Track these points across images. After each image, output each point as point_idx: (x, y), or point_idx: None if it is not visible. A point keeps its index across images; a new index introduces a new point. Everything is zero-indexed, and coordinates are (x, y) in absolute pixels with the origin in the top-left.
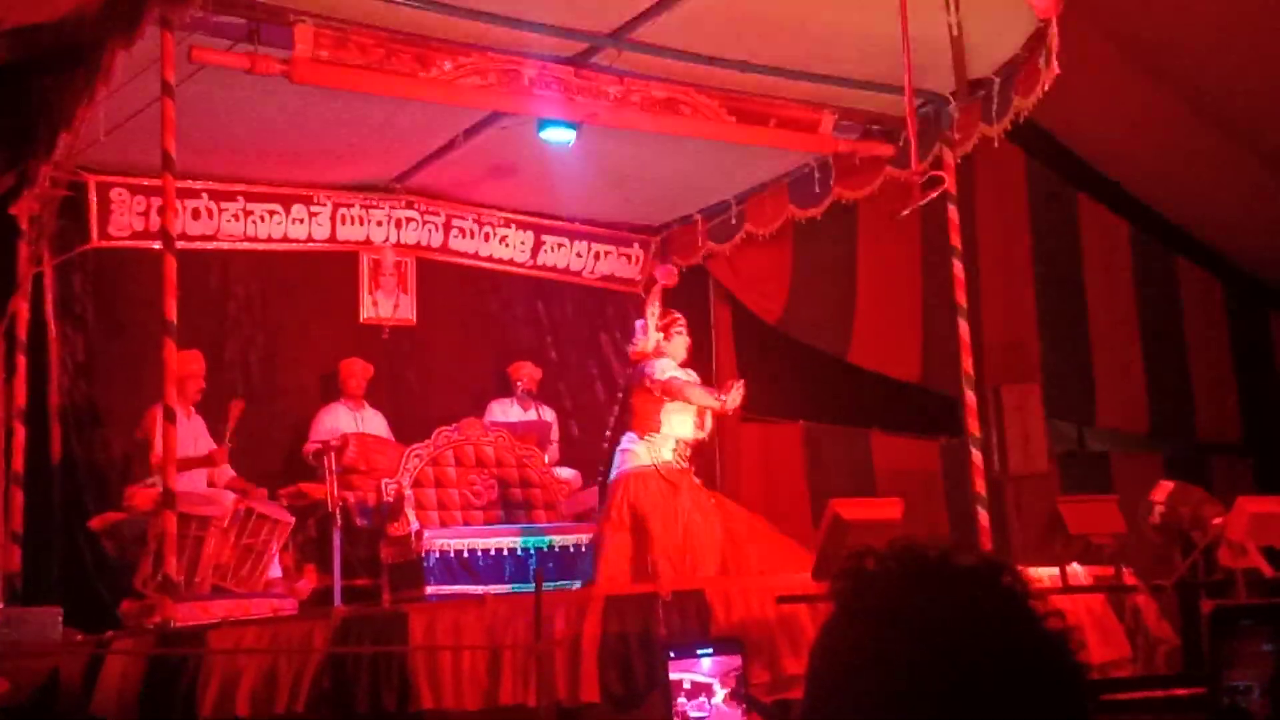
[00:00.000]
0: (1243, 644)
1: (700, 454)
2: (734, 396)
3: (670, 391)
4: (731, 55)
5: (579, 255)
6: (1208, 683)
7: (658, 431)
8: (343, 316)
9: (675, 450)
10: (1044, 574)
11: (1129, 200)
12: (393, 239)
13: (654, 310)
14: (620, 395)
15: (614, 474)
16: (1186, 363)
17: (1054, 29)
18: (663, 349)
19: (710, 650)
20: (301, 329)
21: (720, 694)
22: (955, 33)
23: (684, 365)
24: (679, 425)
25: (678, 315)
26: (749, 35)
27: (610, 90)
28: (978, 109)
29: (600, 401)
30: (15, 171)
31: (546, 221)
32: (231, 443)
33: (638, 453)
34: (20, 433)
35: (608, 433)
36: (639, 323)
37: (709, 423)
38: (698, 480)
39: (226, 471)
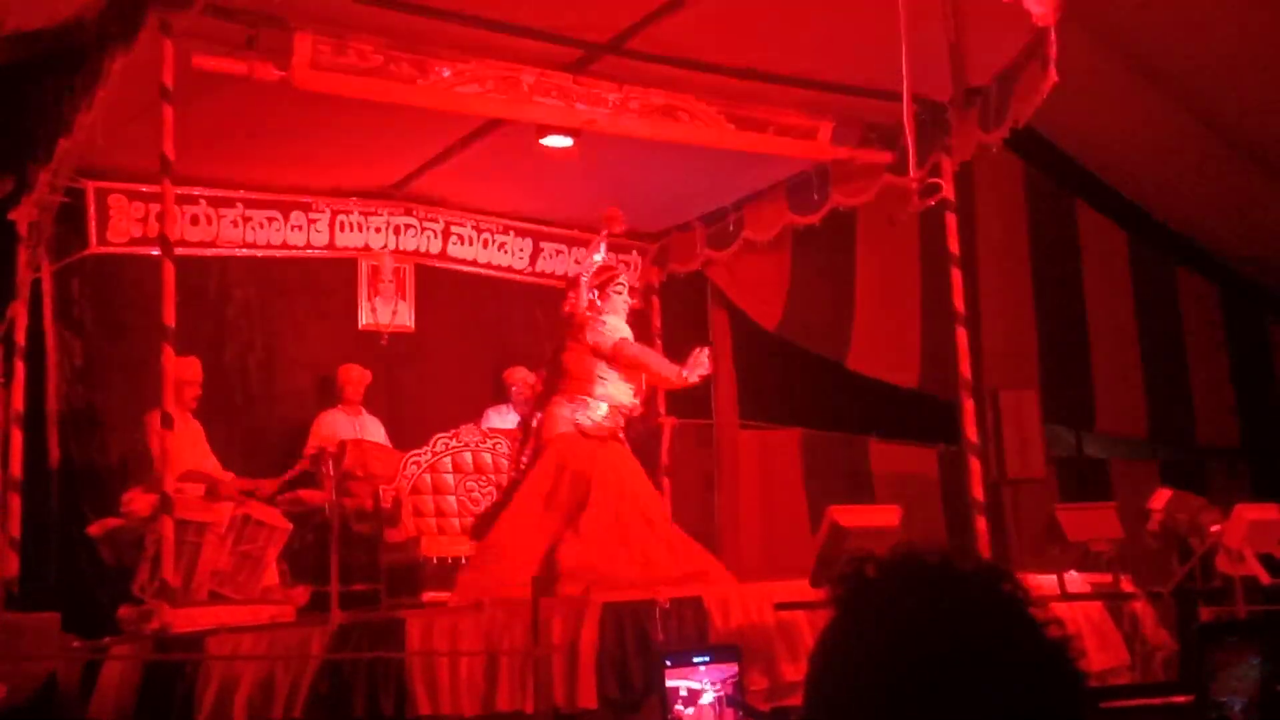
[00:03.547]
0: (1230, 658)
1: (701, 460)
2: (699, 363)
3: (622, 357)
4: (730, 62)
5: (577, 262)
6: (1195, 696)
7: (591, 395)
8: (341, 323)
9: (608, 416)
10: (1042, 581)
11: (1127, 207)
12: (391, 245)
13: (590, 264)
14: (550, 353)
15: (539, 439)
16: (1185, 369)
17: (1052, 36)
18: (598, 307)
19: (707, 657)
20: (300, 335)
21: (709, 697)
22: (953, 40)
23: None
24: (616, 390)
25: (618, 270)
26: (747, 42)
27: (609, 97)
28: (976, 116)
29: None
30: (14, 177)
31: (545, 228)
32: (239, 491)
33: (563, 416)
34: (18, 438)
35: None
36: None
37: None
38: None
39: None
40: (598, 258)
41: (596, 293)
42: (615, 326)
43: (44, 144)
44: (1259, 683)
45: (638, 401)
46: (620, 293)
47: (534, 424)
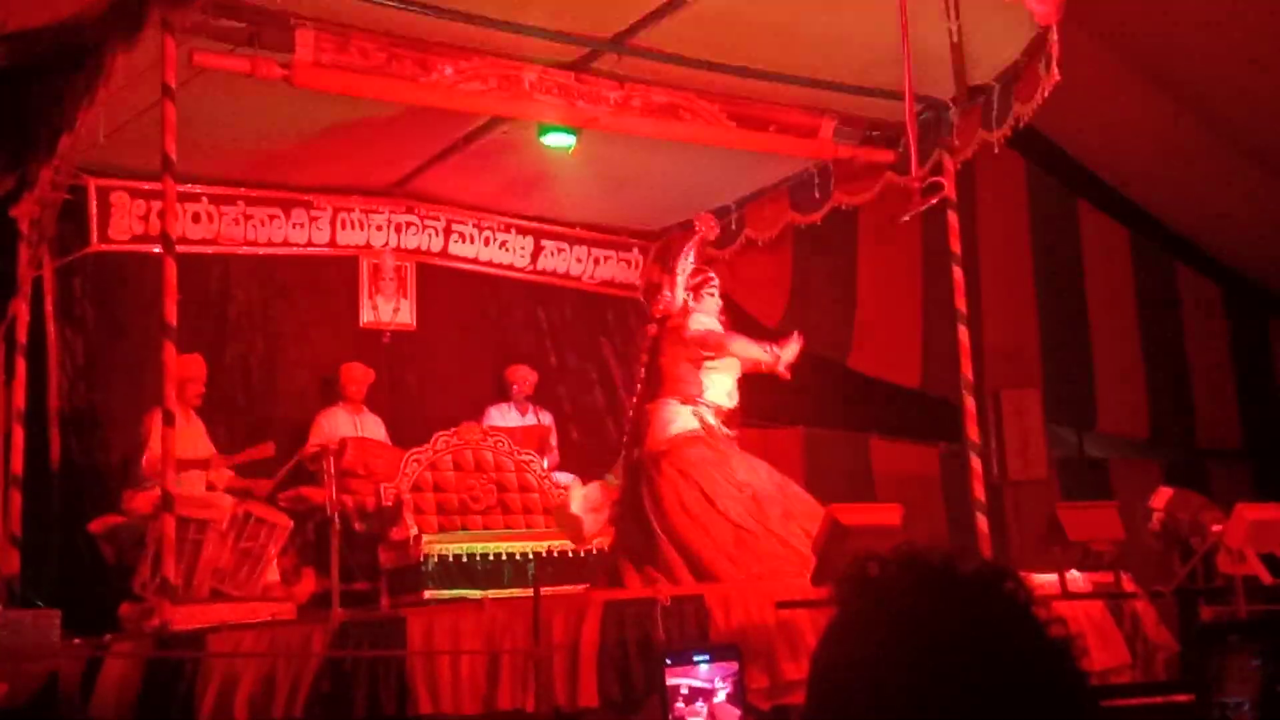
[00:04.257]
0: (1232, 659)
1: None
2: (790, 350)
3: (708, 344)
4: (732, 61)
5: (579, 260)
6: (1196, 698)
7: (700, 396)
8: (342, 321)
9: (714, 416)
10: (1043, 580)
11: (1129, 206)
12: (392, 243)
13: (685, 266)
14: (645, 359)
15: (655, 442)
16: (1186, 369)
17: (1054, 36)
18: (691, 309)
19: (707, 657)
20: (301, 333)
21: (722, 695)
22: (955, 39)
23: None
24: (717, 393)
25: (711, 274)
26: (749, 41)
27: (611, 95)
28: (978, 115)
29: (599, 406)
30: (16, 174)
31: (546, 226)
32: (231, 463)
33: (677, 416)
34: (19, 435)
35: (634, 399)
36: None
37: (734, 393)
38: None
39: (225, 473)
40: (690, 261)
41: (691, 294)
42: (701, 321)
43: (46, 141)
44: (1262, 683)
45: (732, 403)
46: (713, 294)
47: (637, 429)
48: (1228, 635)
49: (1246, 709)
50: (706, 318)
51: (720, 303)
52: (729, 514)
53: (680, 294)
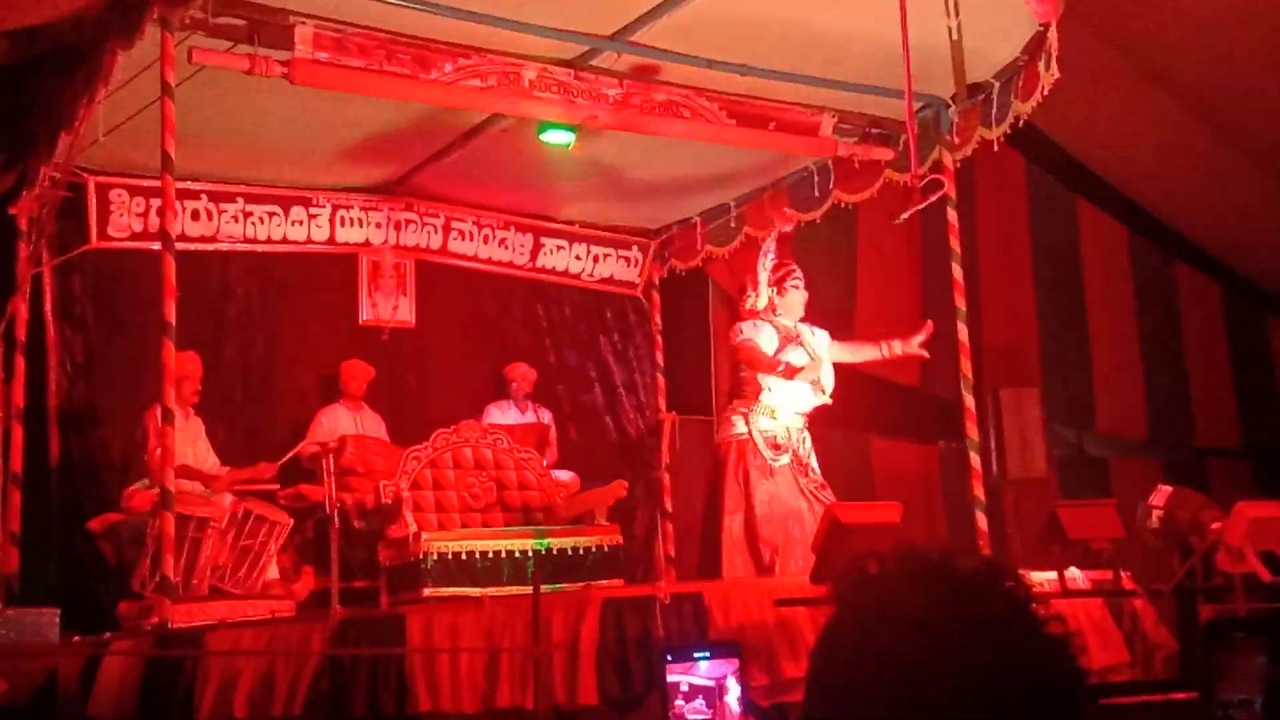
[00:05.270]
0: (1237, 657)
1: (703, 456)
2: (918, 338)
3: (743, 358)
4: (731, 58)
5: (578, 258)
6: (1200, 696)
7: (755, 399)
8: (341, 318)
9: (778, 421)
10: (1042, 578)
11: (1128, 205)
12: (392, 241)
13: (766, 262)
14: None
15: (718, 445)
16: (1185, 367)
17: (1054, 33)
18: (775, 305)
19: (708, 653)
20: (300, 330)
21: (733, 694)
22: (955, 36)
23: (803, 321)
24: (783, 395)
25: (793, 267)
26: (749, 38)
27: (610, 93)
28: (977, 113)
29: (599, 404)
30: (15, 172)
31: (546, 224)
32: (232, 483)
33: (733, 421)
34: (18, 433)
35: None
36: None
37: (828, 380)
38: (806, 461)
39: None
40: (771, 257)
41: (775, 289)
42: (745, 329)
43: (45, 139)
44: (1268, 680)
45: (822, 397)
46: (797, 287)
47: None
48: (1232, 633)
49: (1257, 706)
50: (757, 324)
51: (805, 295)
52: (730, 530)
53: (765, 291)
